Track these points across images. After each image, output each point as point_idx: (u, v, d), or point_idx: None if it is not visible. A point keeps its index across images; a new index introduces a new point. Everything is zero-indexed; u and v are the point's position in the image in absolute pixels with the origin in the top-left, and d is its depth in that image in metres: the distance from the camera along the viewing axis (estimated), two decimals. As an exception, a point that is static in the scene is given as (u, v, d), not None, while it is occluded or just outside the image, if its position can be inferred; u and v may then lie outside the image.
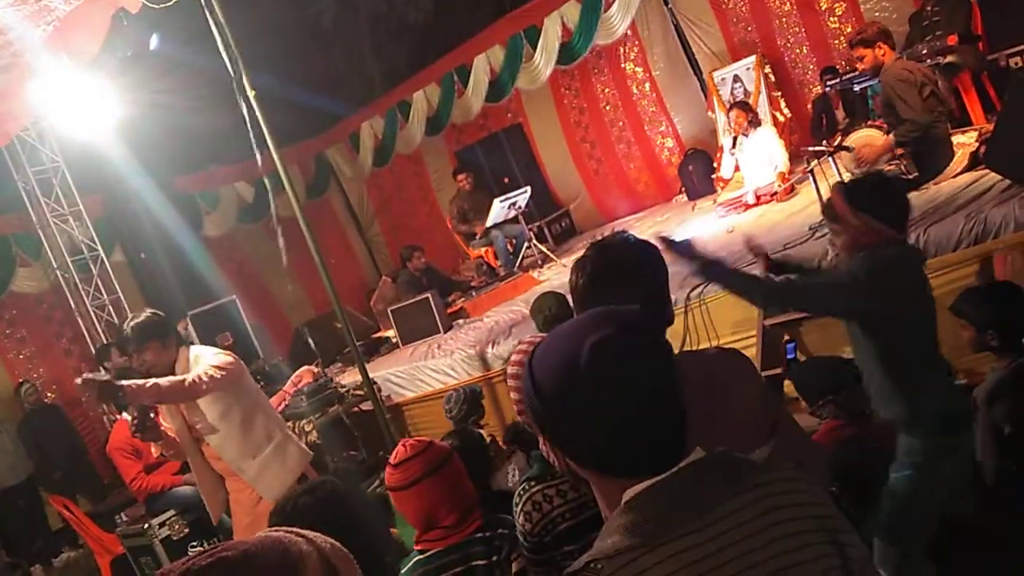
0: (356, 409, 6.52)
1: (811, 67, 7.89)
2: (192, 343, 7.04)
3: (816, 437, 3.01)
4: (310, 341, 7.93)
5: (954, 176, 4.74)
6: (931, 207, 4.39)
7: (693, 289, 4.85)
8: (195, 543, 5.13)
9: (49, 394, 7.97)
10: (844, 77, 6.50)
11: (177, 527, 5.18)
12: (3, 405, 7.73)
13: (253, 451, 3.54)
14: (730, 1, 8.17)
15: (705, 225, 6.90)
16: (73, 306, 7.96)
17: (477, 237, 8.55)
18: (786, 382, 4.12)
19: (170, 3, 4.66)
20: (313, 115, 9.99)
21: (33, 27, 4.29)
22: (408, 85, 10.06)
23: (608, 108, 9.36)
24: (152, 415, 3.53)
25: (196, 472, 3.71)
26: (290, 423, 5.62)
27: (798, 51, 7.98)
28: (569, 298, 1.76)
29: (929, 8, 6.08)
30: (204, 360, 3.46)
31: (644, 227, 8.07)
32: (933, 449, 2.33)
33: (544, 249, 8.52)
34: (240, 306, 7.95)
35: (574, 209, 9.96)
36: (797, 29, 7.91)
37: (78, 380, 3.24)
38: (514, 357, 1.70)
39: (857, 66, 5.25)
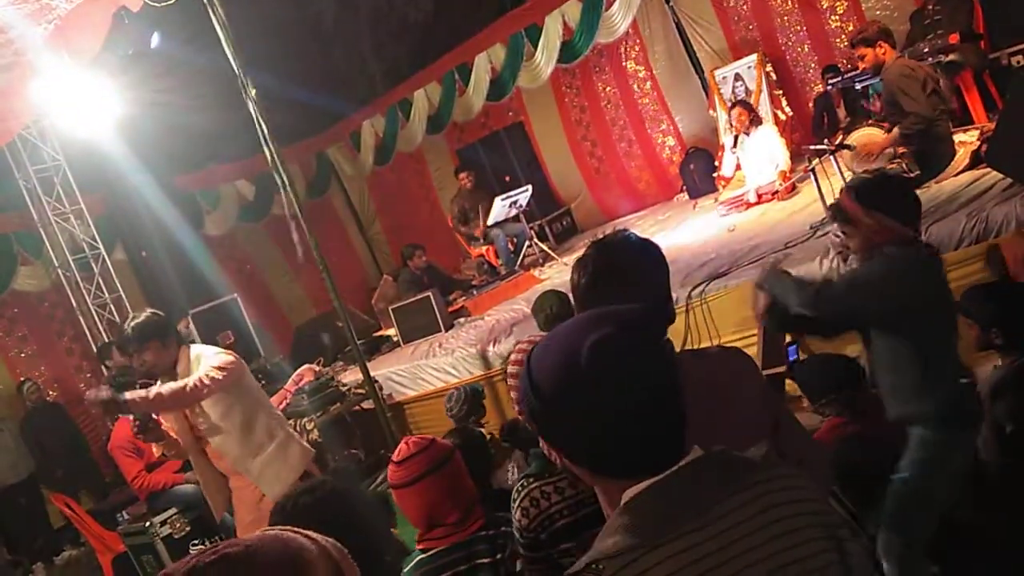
0: (357, 408, 6.53)
1: (812, 65, 7.88)
2: (193, 342, 7.07)
3: (818, 435, 3.01)
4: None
5: (956, 175, 4.74)
6: (932, 206, 4.39)
7: (694, 288, 4.85)
8: (196, 541, 5.14)
9: (51, 392, 7.97)
10: (845, 75, 6.50)
11: (178, 525, 5.19)
12: (4, 403, 7.74)
13: (256, 450, 3.54)
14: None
15: (706, 224, 6.90)
16: (74, 304, 7.96)
17: (478, 236, 8.56)
18: (788, 381, 4.12)
19: (171, 2, 4.66)
20: (314, 114, 9.99)
21: (34, 25, 4.29)
22: (409, 84, 10.05)
23: (609, 107, 9.35)
24: (153, 415, 3.53)
25: (199, 471, 3.72)
26: (291, 421, 5.63)
27: (799, 49, 7.97)
28: (570, 297, 1.75)
29: (930, 6, 6.07)
30: (205, 359, 3.46)
31: (645, 226, 8.07)
32: (947, 441, 2.35)
33: (545, 248, 8.52)
34: (241, 304, 7.96)
35: (575, 208, 9.96)
36: (798, 27, 7.90)
37: (88, 394, 3.28)
38: (514, 356, 1.70)
39: (858, 65, 5.25)
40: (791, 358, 4.13)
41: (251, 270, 10.41)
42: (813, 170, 5.06)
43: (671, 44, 8.66)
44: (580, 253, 1.72)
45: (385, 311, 8.01)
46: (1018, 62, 5.62)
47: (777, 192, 6.56)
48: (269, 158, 4.84)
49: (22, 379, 7.70)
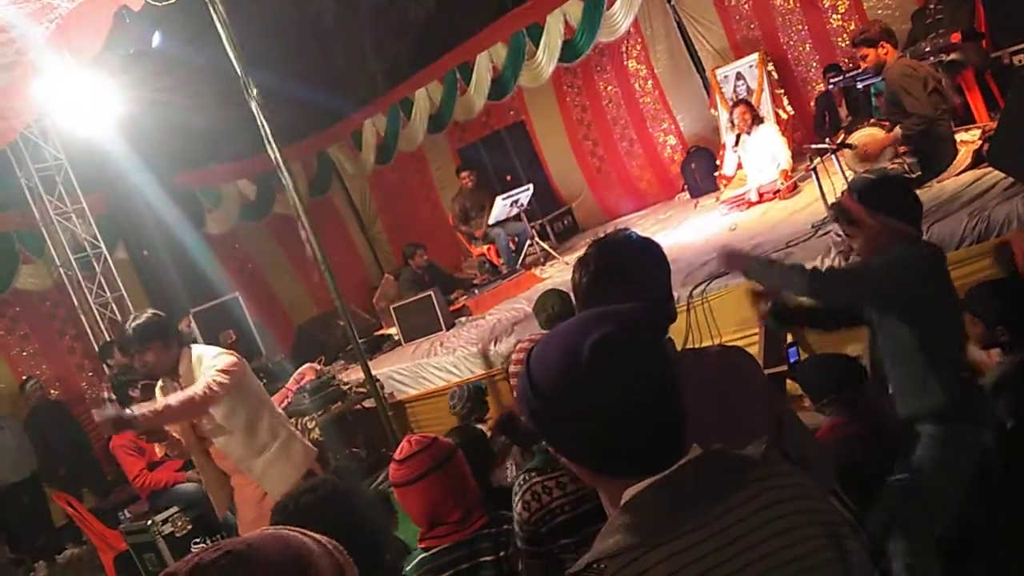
0: (359, 406, 6.53)
1: (814, 64, 7.87)
2: (195, 341, 7.08)
3: (819, 435, 3.00)
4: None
5: (957, 174, 4.74)
6: (934, 205, 4.39)
7: (696, 287, 4.84)
8: (198, 539, 5.14)
9: (52, 391, 7.98)
10: (847, 75, 6.49)
11: (180, 524, 5.19)
12: (6, 402, 7.75)
13: (259, 449, 3.54)
14: (733, -2, 8.17)
15: (708, 223, 6.90)
16: (76, 303, 7.97)
17: (478, 236, 8.56)
18: (789, 380, 4.11)
19: (172, 1, 4.66)
20: (315, 113, 10.00)
21: (36, 25, 4.30)
22: (410, 83, 10.05)
23: (611, 106, 9.35)
24: None
25: (201, 470, 3.72)
26: (292, 420, 5.63)
27: (801, 48, 7.96)
28: (572, 296, 1.75)
29: (932, 5, 6.06)
30: (206, 360, 3.46)
31: (647, 225, 8.07)
32: (957, 439, 2.37)
33: (546, 247, 8.52)
34: (243, 303, 7.96)
35: (576, 207, 9.96)
36: (800, 26, 7.89)
37: (96, 414, 3.31)
38: (516, 355, 1.70)
39: (860, 64, 5.24)
40: (792, 359, 4.13)
41: (252, 269, 10.42)
42: (815, 169, 5.06)
43: (672, 43, 8.66)
44: (581, 252, 1.72)
45: (386, 310, 8.02)
46: (1020, 61, 5.61)
47: (778, 191, 6.56)
48: (273, 157, 4.84)
49: (25, 377, 7.71)
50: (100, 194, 8.44)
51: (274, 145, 4.82)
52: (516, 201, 8.25)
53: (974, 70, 5.65)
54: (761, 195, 6.68)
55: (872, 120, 5.50)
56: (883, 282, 2.38)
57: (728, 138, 7.46)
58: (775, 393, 2.14)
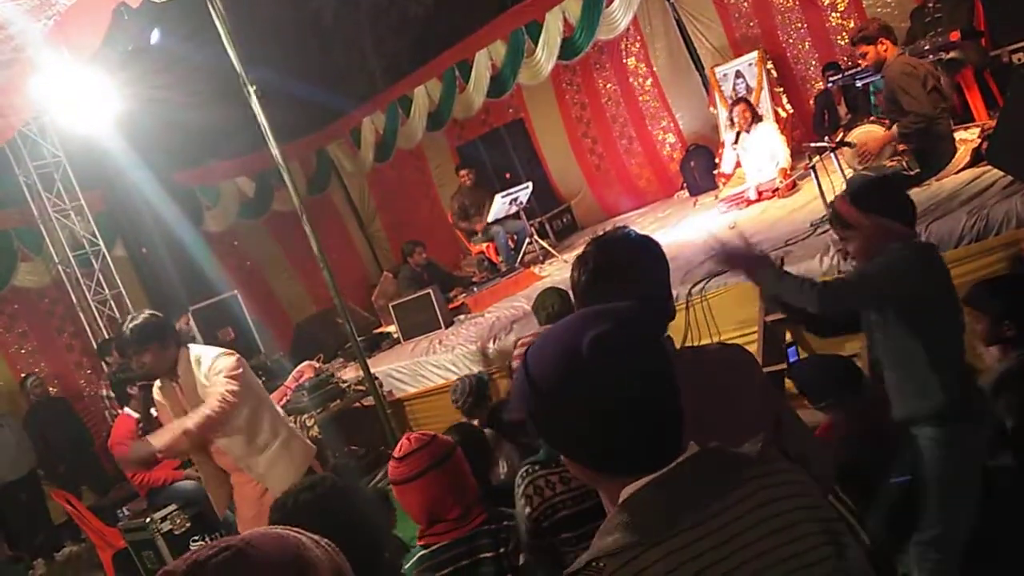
0: (357, 404, 6.53)
1: (813, 63, 7.87)
2: (194, 338, 7.08)
3: (817, 434, 3.01)
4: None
5: (956, 172, 4.74)
6: (933, 203, 4.39)
7: (694, 285, 4.83)
8: (197, 537, 5.14)
9: (51, 389, 7.98)
10: (846, 73, 6.48)
11: (179, 521, 5.19)
12: (5, 400, 7.74)
13: (260, 448, 3.54)
14: (732, -3, 8.17)
15: (706, 221, 6.90)
16: (75, 301, 7.96)
17: (478, 233, 8.56)
18: (787, 379, 4.12)
19: (171, -2, 4.66)
20: (314, 110, 9.98)
21: (34, 22, 4.28)
22: (409, 80, 10.04)
23: (610, 103, 9.35)
24: (154, 415, 3.54)
25: (200, 467, 3.71)
26: (291, 418, 5.63)
27: (800, 47, 7.96)
28: (571, 294, 1.75)
29: (931, 4, 6.06)
30: (206, 362, 3.45)
31: (646, 223, 8.07)
32: (957, 439, 2.36)
33: (545, 245, 8.53)
34: (241, 301, 7.96)
35: (575, 205, 9.95)
36: (799, 25, 7.89)
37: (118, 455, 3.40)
38: (517, 351, 1.70)
39: (860, 62, 5.24)
40: (791, 359, 4.13)
41: (251, 266, 10.41)
42: (814, 167, 5.05)
43: (672, 41, 8.65)
44: (580, 250, 1.72)
45: (385, 308, 8.02)
46: (1019, 60, 5.61)
47: (777, 189, 6.56)
48: (274, 154, 4.83)
49: (24, 374, 7.71)
50: (99, 191, 8.43)
51: (272, 142, 4.81)
52: (515, 199, 8.24)
53: (973, 68, 5.65)
54: (760, 193, 6.68)
55: (871, 118, 5.50)
56: (883, 284, 2.38)
57: (727, 136, 7.46)
58: (774, 391, 2.14)
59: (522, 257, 8.40)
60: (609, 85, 9.28)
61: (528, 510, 2.03)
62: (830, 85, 6.95)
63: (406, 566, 2.10)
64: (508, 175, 10.21)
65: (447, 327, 7.03)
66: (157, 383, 3.60)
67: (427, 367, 6.46)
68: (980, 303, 2.92)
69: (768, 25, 8.03)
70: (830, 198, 4.59)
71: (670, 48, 8.69)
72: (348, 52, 10.38)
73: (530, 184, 8.52)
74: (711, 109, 8.37)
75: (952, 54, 5.44)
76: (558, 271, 7.46)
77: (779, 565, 1.01)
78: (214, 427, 3.38)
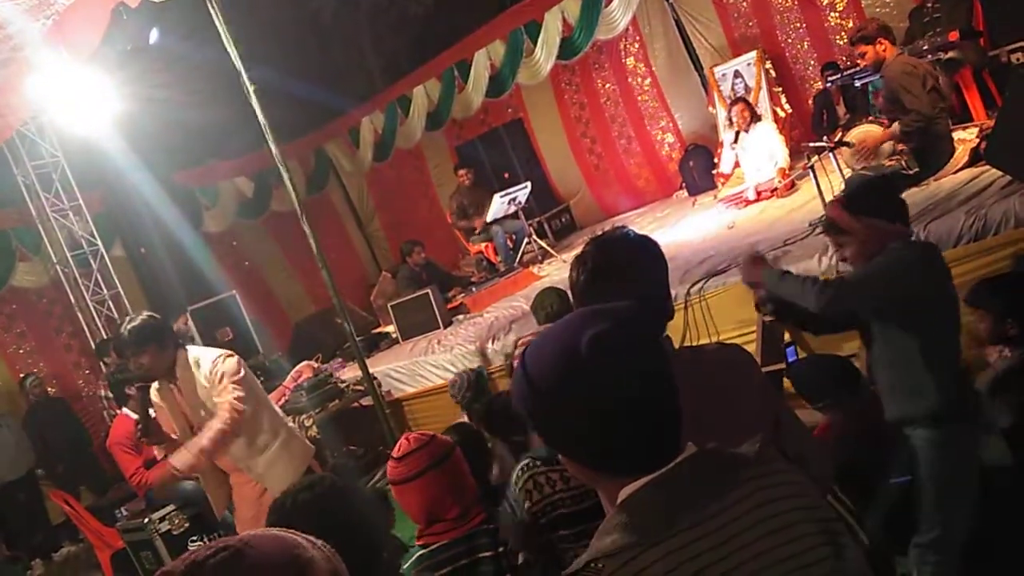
0: (356, 404, 6.53)
1: (812, 63, 7.87)
2: (192, 338, 7.07)
3: (815, 433, 3.01)
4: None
5: (955, 172, 4.75)
6: (931, 203, 4.39)
7: (693, 285, 4.85)
8: (195, 538, 5.13)
9: (49, 389, 7.97)
10: (845, 73, 6.49)
11: (177, 522, 5.19)
12: (4, 400, 7.74)
13: (260, 448, 3.54)
14: (731, -4, 8.17)
15: (705, 221, 6.90)
16: (73, 301, 7.95)
17: (477, 232, 8.55)
18: (786, 378, 4.12)
19: (169, -3, 4.65)
20: (313, 110, 9.98)
21: (32, 21, 4.28)
22: (408, 80, 10.04)
23: (609, 103, 9.35)
24: (152, 416, 3.53)
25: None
26: (290, 418, 5.62)
27: (799, 47, 7.96)
28: (570, 294, 1.75)
29: (930, 4, 6.06)
30: (205, 365, 3.44)
31: (644, 223, 8.07)
32: (952, 440, 2.36)
33: (544, 245, 8.53)
34: (240, 301, 7.95)
35: (574, 205, 9.95)
36: (798, 24, 7.89)
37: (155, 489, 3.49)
38: (518, 351, 1.70)
39: (858, 62, 5.24)
40: (790, 359, 4.13)
41: (250, 266, 10.41)
42: (812, 167, 5.06)
43: (671, 41, 8.66)
44: (579, 250, 1.72)
45: (384, 308, 8.01)
46: (1017, 59, 5.61)
47: (776, 189, 6.56)
48: (273, 153, 4.83)
49: (24, 374, 7.70)
50: (97, 191, 8.42)
51: (272, 141, 4.81)
52: (514, 199, 8.24)
53: (972, 68, 5.65)
54: (759, 193, 6.68)
55: (870, 118, 5.51)
56: (883, 284, 2.38)
57: (726, 136, 7.46)
58: (773, 391, 2.14)
59: (521, 257, 8.40)
60: (608, 85, 9.28)
61: (527, 504, 2.03)
62: (829, 85, 6.95)
63: (405, 566, 2.10)
64: (507, 175, 10.21)
65: (446, 327, 7.03)
66: (155, 385, 3.59)
67: (426, 367, 6.45)
68: (983, 301, 2.92)
69: (767, 25, 8.03)
70: (829, 198, 4.60)
71: (669, 48, 8.69)
72: (347, 51, 10.39)
73: (529, 184, 8.51)
74: (710, 109, 8.37)
75: (951, 54, 5.44)
76: (557, 271, 7.46)
77: (777, 565, 1.01)
78: (228, 440, 3.41)
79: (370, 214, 11.80)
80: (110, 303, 7.94)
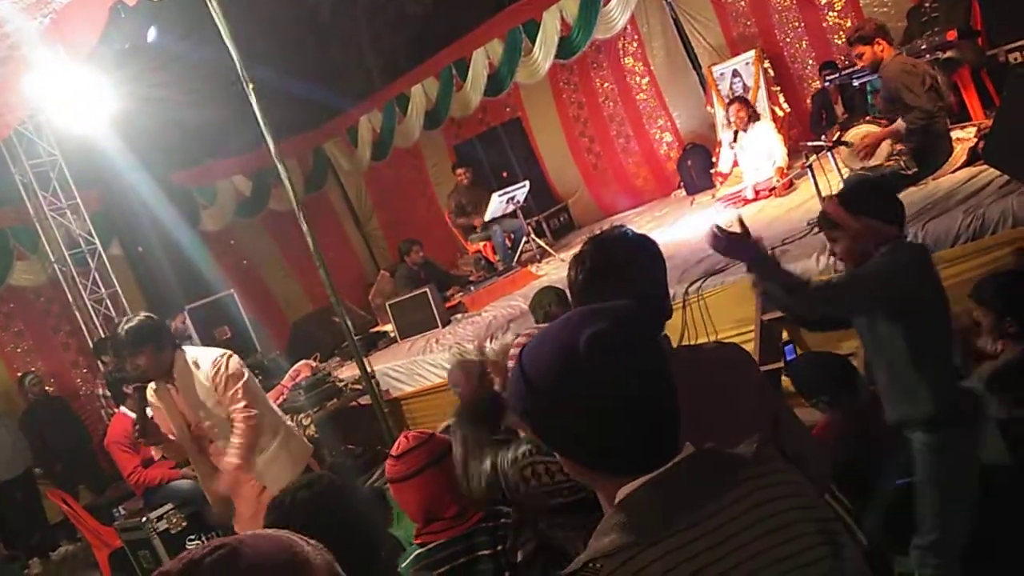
0: (354, 403, 6.52)
1: (810, 62, 7.88)
2: (190, 337, 7.05)
3: (814, 433, 3.01)
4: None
5: (953, 171, 4.75)
6: (929, 202, 4.40)
7: (692, 284, 4.85)
8: (193, 537, 5.14)
9: (48, 388, 7.96)
10: (843, 72, 6.49)
11: (175, 521, 5.19)
12: (1, 399, 7.73)
13: (260, 447, 3.54)
14: (729, -4, 8.17)
15: (704, 220, 6.90)
16: (71, 300, 7.94)
17: (475, 231, 8.55)
18: (784, 377, 4.12)
19: (167, -4, 4.65)
20: (311, 108, 9.97)
21: (30, 19, 4.28)
22: (406, 79, 10.03)
23: (607, 102, 9.35)
24: (151, 416, 3.53)
25: (197, 467, 3.71)
26: (288, 417, 5.62)
27: (797, 46, 7.97)
28: (568, 293, 1.75)
29: (928, 3, 6.07)
30: (204, 365, 3.45)
31: (643, 222, 8.08)
32: (950, 443, 2.36)
33: (542, 244, 8.52)
34: (238, 300, 7.94)
35: (572, 204, 9.95)
36: (796, 24, 7.89)
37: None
38: (514, 351, 1.70)
39: (856, 62, 5.24)
40: (789, 357, 4.13)
41: (248, 265, 10.40)
42: (810, 166, 5.06)
43: (669, 40, 8.66)
44: (577, 249, 1.72)
45: (382, 307, 8.01)
46: (1015, 59, 5.61)
47: (774, 188, 6.57)
48: (272, 151, 4.82)
49: (22, 373, 7.70)
50: (95, 190, 8.41)
51: (270, 140, 4.80)
52: (512, 198, 8.24)
53: (970, 68, 5.65)
54: (757, 192, 6.68)
55: (868, 117, 5.50)
56: (874, 286, 2.37)
57: (724, 135, 7.46)
58: (771, 390, 2.13)
59: (519, 256, 8.40)
60: (606, 84, 9.28)
61: (523, 487, 2.03)
62: (827, 84, 6.95)
63: (403, 565, 2.09)
64: (505, 174, 10.21)
65: (444, 326, 7.03)
66: (152, 385, 3.58)
67: (424, 366, 6.45)
68: (984, 298, 2.92)
69: (765, 24, 8.03)
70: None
71: (667, 47, 8.70)
72: (345, 50, 10.37)
73: (527, 183, 8.51)
74: (708, 108, 8.37)
75: (949, 53, 5.44)
76: (555, 270, 7.46)
77: (775, 565, 1.01)
78: (252, 444, 3.46)
79: (368, 213, 11.79)
80: (108, 302, 7.93)
